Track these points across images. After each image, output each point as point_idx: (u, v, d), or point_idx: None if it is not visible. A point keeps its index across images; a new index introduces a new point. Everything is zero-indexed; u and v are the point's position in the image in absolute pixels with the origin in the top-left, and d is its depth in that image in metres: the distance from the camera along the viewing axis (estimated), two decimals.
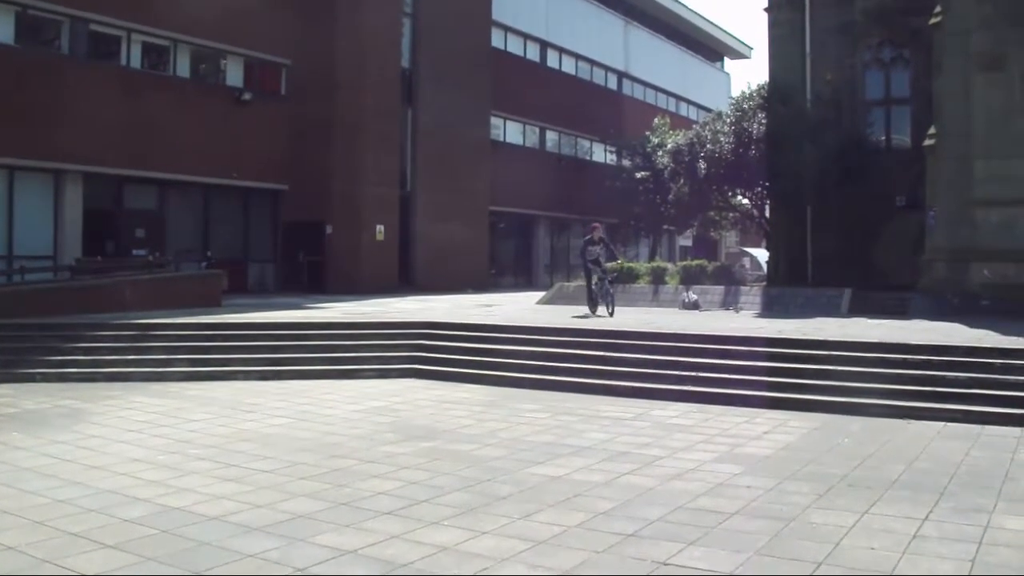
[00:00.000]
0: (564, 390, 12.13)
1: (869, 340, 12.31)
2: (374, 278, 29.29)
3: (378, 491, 6.98)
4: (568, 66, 43.43)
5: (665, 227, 43.07)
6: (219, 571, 5.22)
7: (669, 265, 25.07)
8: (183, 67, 26.43)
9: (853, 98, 22.53)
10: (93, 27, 23.91)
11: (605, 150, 44.47)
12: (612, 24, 46.91)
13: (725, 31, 61.36)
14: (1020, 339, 12.08)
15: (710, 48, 60.38)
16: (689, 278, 22.49)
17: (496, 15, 37.07)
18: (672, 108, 52.35)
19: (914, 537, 5.79)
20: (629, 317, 16.75)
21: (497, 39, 37.91)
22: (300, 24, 28.58)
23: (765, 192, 26.64)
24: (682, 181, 30.75)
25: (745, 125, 26.44)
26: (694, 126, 34.18)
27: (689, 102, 55.48)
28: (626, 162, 40.82)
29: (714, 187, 28.97)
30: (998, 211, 17.38)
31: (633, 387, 11.85)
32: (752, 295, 21.20)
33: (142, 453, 8.38)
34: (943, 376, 10.77)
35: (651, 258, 37.13)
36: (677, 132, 36.42)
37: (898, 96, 22.47)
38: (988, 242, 17.42)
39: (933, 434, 9.26)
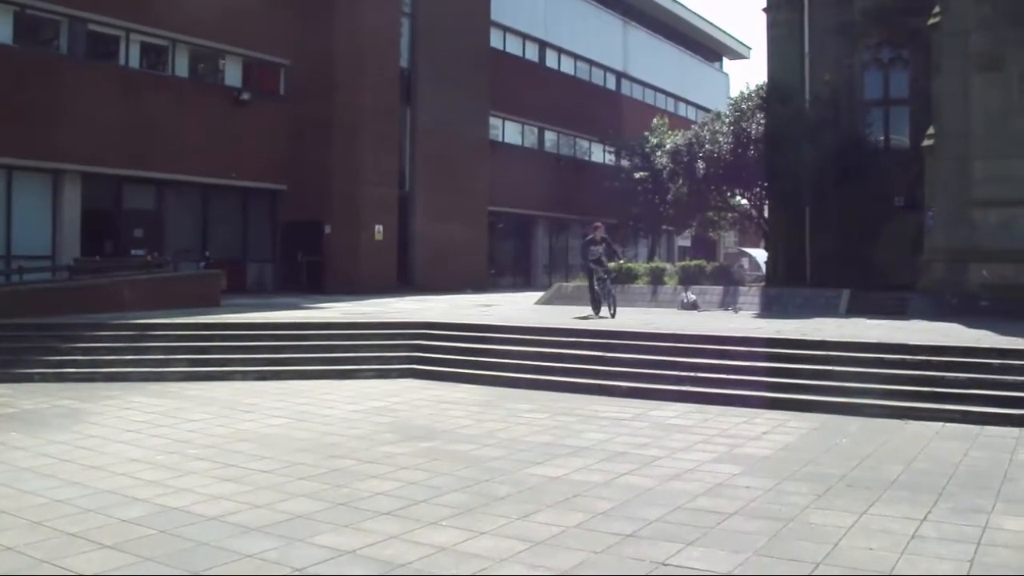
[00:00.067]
0: (562, 390, 12.13)
1: (868, 340, 12.31)
2: (373, 278, 29.28)
3: (377, 491, 6.98)
4: (567, 66, 43.43)
5: (664, 227, 43.09)
6: (217, 571, 5.21)
7: (668, 265, 25.07)
8: (182, 67, 26.42)
9: (852, 98, 22.54)
10: (92, 27, 23.90)
11: (604, 150, 44.47)
12: (611, 24, 46.92)
13: (724, 31, 61.41)
14: (1018, 339, 12.08)
15: (709, 48, 60.41)
16: (688, 278, 22.50)
17: (495, 15, 37.08)
18: (671, 108, 52.37)
19: (912, 537, 5.79)
20: (628, 317, 16.74)
21: (496, 39, 37.91)
22: (299, 24, 28.57)
23: (764, 192, 26.66)
24: (681, 181, 30.76)
25: (744, 125, 26.47)
26: (693, 126, 34.18)
27: (688, 102, 55.51)
28: (625, 162, 40.83)
29: (713, 187, 29.00)
30: (997, 211, 17.38)
31: (632, 387, 11.85)
32: (751, 295, 21.20)
33: (141, 453, 8.38)
34: (942, 376, 10.78)
35: (650, 258, 37.15)
36: (676, 132, 36.41)
37: (897, 96, 22.49)
38: (987, 242, 17.43)
39: (931, 434, 9.26)
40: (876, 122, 22.99)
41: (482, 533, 5.91)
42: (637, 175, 38.12)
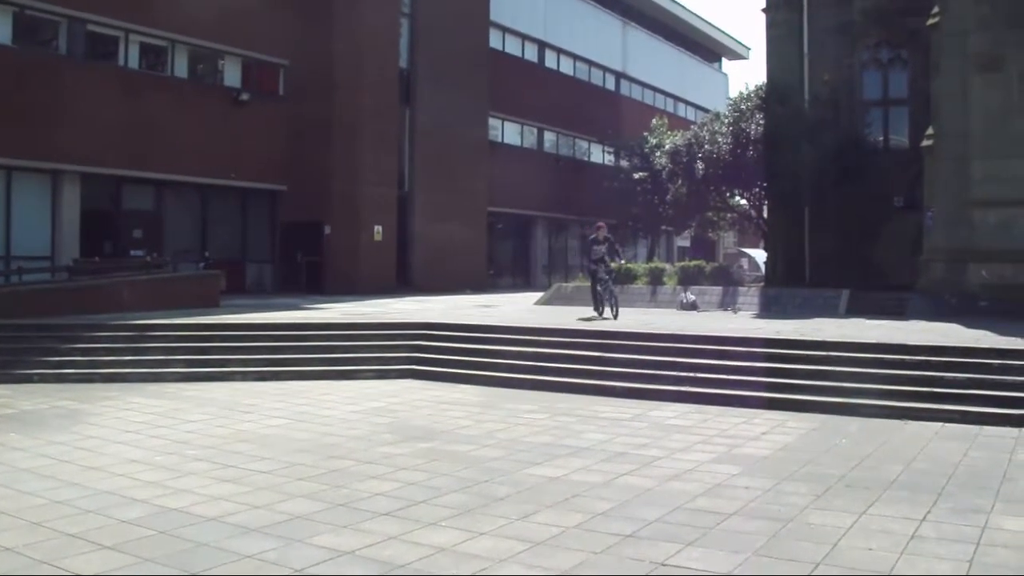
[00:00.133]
0: (562, 391, 12.13)
1: (867, 341, 12.31)
2: (372, 279, 29.27)
3: (376, 492, 6.98)
4: (566, 67, 43.43)
5: (663, 228, 43.07)
6: (217, 572, 5.21)
7: (667, 266, 25.07)
8: (181, 67, 26.41)
9: (851, 98, 22.54)
10: (91, 27, 23.89)
11: (603, 151, 44.46)
12: (610, 25, 46.92)
13: (723, 32, 61.41)
14: (1018, 340, 12.09)
15: (708, 49, 60.42)
16: (687, 279, 22.50)
17: (494, 16, 37.07)
18: (670, 109, 52.38)
19: (912, 538, 5.79)
20: (627, 318, 16.73)
21: (495, 40, 37.90)
22: (298, 24, 28.56)
23: (763, 192, 26.67)
24: (680, 182, 30.80)
25: (743, 126, 26.50)
26: (692, 127, 34.21)
27: (687, 103, 55.51)
28: (624, 163, 40.82)
29: (712, 188, 29.03)
30: (996, 212, 17.39)
31: (631, 388, 11.85)
32: (750, 296, 21.21)
33: (140, 454, 8.38)
34: (941, 377, 10.78)
35: (649, 259, 37.15)
36: (675, 133, 36.42)
37: (896, 96, 22.49)
38: (986, 243, 17.43)
39: (931, 435, 9.26)
40: (875, 122, 23.00)
41: (481, 534, 5.91)
42: (636, 175, 38.12)
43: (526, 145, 40.99)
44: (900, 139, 22.47)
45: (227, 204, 28.38)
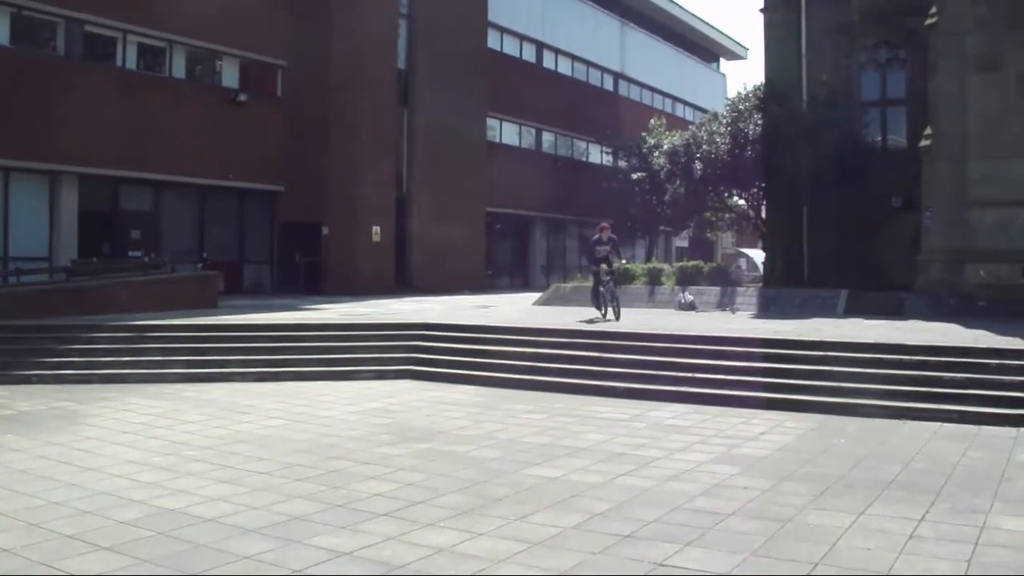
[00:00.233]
0: (560, 391, 12.13)
1: (865, 341, 12.32)
2: (371, 279, 29.26)
3: (374, 493, 6.98)
4: (564, 67, 43.44)
5: (661, 228, 43.07)
6: (215, 573, 5.21)
7: (665, 266, 25.06)
8: (179, 68, 26.44)
9: (849, 99, 22.52)
10: (88, 28, 23.91)
11: (601, 151, 44.46)
12: (608, 25, 46.92)
13: (721, 32, 61.43)
14: (1016, 339, 12.09)
15: (706, 49, 60.45)
16: (685, 279, 22.49)
17: (492, 16, 37.06)
18: (668, 109, 52.39)
19: (910, 538, 5.79)
20: (625, 318, 16.71)
21: (493, 40, 37.89)
22: (296, 25, 28.59)
23: (761, 193, 26.71)
24: (678, 182, 30.86)
25: (741, 126, 26.54)
26: (690, 127, 34.28)
27: (685, 103, 55.53)
28: (622, 163, 40.82)
29: (710, 188, 29.08)
30: (994, 212, 17.39)
31: (629, 388, 11.85)
32: (748, 296, 21.21)
33: (138, 455, 8.37)
34: (939, 377, 10.78)
35: (647, 259, 37.16)
36: (673, 133, 36.44)
37: (894, 97, 22.48)
38: (984, 243, 17.43)
39: (929, 435, 9.27)
40: (873, 123, 22.99)
41: (480, 534, 5.91)
42: (635, 176, 38.12)
43: (524, 145, 41.00)
44: (898, 139, 22.47)
45: (225, 205, 28.39)
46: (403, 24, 32.46)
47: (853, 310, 18.65)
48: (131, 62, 25.22)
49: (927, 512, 6.38)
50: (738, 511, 6.44)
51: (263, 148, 27.94)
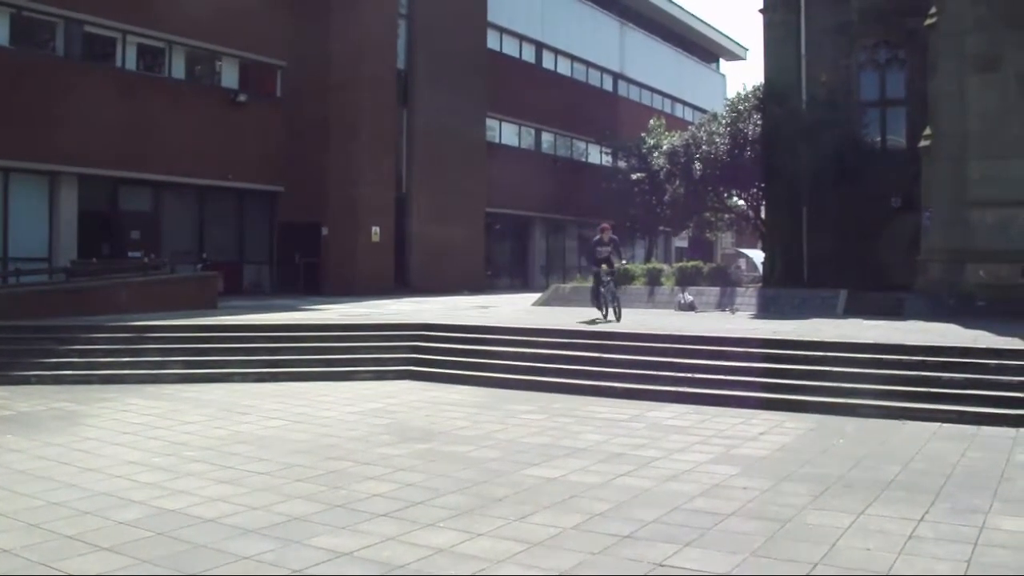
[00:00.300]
0: (560, 391, 12.13)
1: (865, 341, 12.32)
2: (370, 280, 29.27)
3: (374, 493, 6.98)
4: (564, 67, 43.44)
5: (661, 228, 43.08)
6: (215, 573, 5.21)
7: (665, 266, 25.06)
8: (178, 68, 26.44)
9: (848, 99, 22.53)
10: (88, 28, 23.91)
11: (601, 151, 44.46)
12: (608, 25, 46.93)
13: (720, 32, 61.44)
14: (1015, 340, 12.10)
15: (705, 49, 60.45)
16: (685, 279, 22.49)
17: (492, 17, 37.06)
18: (668, 109, 52.38)
19: (910, 538, 5.80)
20: (625, 318, 16.70)
21: (493, 40, 37.89)
22: (295, 26, 28.59)
23: (761, 193, 26.71)
24: (678, 182, 30.87)
25: (741, 126, 26.56)
26: (690, 127, 34.29)
27: (685, 103, 55.53)
28: (622, 163, 40.82)
29: (710, 188, 29.09)
30: (993, 212, 17.40)
31: (628, 388, 11.85)
32: (748, 296, 21.21)
33: (137, 455, 8.37)
34: (938, 377, 10.79)
35: (647, 259, 37.16)
36: (673, 133, 36.45)
37: (894, 97, 22.48)
38: (983, 243, 17.44)
39: (928, 435, 9.27)
40: (873, 123, 22.99)
41: (479, 534, 5.91)
42: (634, 176, 38.11)
43: (524, 146, 41.00)
44: (898, 139, 22.48)
45: (224, 205, 28.40)
46: (402, 24, 32.47)
47: (852, 310, 18.65)
48: (130, 62, 25.22)
49: (926, 512, 6.38)
50: (737, 511, 6.44)
51: (263, 148, 27.95)
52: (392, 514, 6.39)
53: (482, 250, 36.35)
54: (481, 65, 35.66)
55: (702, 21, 58.15)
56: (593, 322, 16.14)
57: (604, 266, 17.08)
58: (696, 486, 7.18)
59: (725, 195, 30.88)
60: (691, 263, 24.63)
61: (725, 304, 20.90)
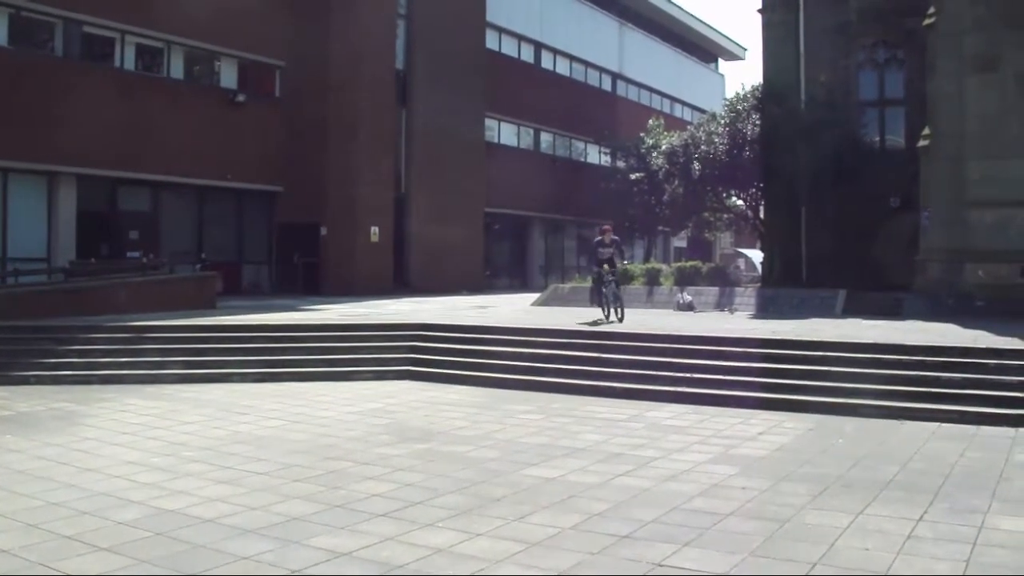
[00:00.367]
0: (558, 391, 12.13)
1: (863, 341, 12.32)
2: (369, 280, 29.26)
3: (373, 493, 6.98)
4: (562, 68, 43.45)
5: (660, 228, 43.10)
6: (214, 573, 5.21)
7: (664, 266, 25.06)
8: (177, 69, 26.42)
9: (847, 99, 22.53)
10: (87, 29, 23.90)
11: (600, 151, 44.47)
12: (606, 25, 46.94)
13: (719, 32, 61.44)
14: (1014, 339, 12.10)
15: (704, 49, 60.46)
16: (684, 279, 22.50)
17: (490, 17, 37.07)
18: (666, 109, 52.38)
19: (909, 538, 5.80)
20: (626, 319, 16.69)
21: (492, 41, 37.90)
22: (294, 26, 28.57)
23: (759, 193, 26.72)
24: (677, 182, 30.89)
25: (739, 126, 26.57)
26: (688, 127, 34.34)
27: (683, 103, 55.54)
28: (621, 163, 40.82)
29: (708, 188, 29.11)
30: (992, 212, 17.40)
31: (627, 388, 11.85)
32: (747, 296, 21.22)
33: (136, 456, 8.37)
34: (937, 377, 10.79)
35: (646, 259, 37.17)
36: (671, 133, 36.48)
37: (892, 97, 22.48)
38: (982, 243, 17.45)
39: (927, 435, 9.27)
40: (871, 123, 22.99)
41: (478, 534, 5.91)
42: (633, 176, 38.11)
43: (523, 146, 41.01)
44: (896, 139, 22.48)
45: (223, 205, 28.38)
46: (401, 24, 32.47)
47: (851, 310, 18.66)
48: (129, 63, 25.20)
49: (925, 512, 6.38)
50: (736, 511, 6.44)
51: (261, 149, 27.93)
52: (391, 514, 6.39)
53: (481, 250, 36.35)
54: (480, 65, 35.66)
55: (701, 21, 58.19)
56: (595, 323, 15.96)
57: (606, 266, 16.83)
58: (695, 486, 7.18)
59: (724, 195, 30.89)
60: (690, 263, 24.63)
61: (724, 304, 20.91)
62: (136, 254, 23.81)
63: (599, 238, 17.47)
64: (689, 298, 21.06)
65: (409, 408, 11.13)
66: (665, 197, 33.94)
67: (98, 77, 24.25)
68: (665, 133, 37.82)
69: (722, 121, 27.89)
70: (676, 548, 5.60)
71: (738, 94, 27.88)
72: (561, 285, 25.92)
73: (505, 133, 39.60)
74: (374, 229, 30.16)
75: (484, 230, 36.67)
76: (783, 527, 6.04)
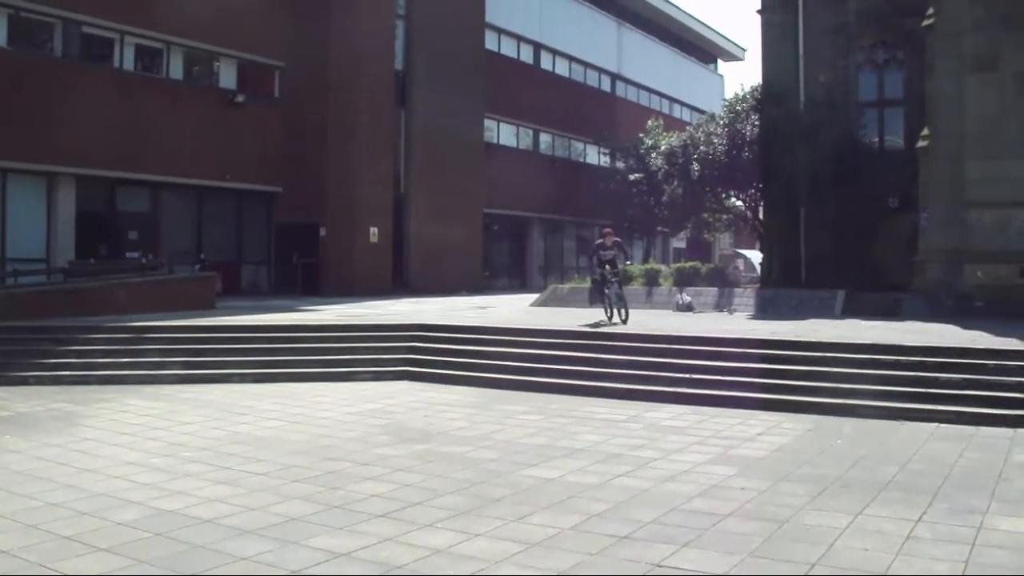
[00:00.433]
0: (558, 392, 12.13)
1: (862, 341, 12.33)
2: (368, 280, 29.26)
3: (372, 493, 6.98)
4: (562, 68, 43.45)
5: (659, 229, 43.12)
6: (213, 574, 5.21)
7: (663, 267, 25.07)
8: (176, 69, 26.40)
9: (846, 99, 22.54)
10: (86, 29, 23.87)
11: (599, 152, 44.50)
12: (605, 26, 46.95)
13: (718, 33, 61.46)
14: (1013, 340, 12.11)
15: (703, 50, 60.48)
16: (683, 280, 22.50)
17: (490, 17, 37.08)
18: (665, 110, 52.40)
19: (908, 538, 5.80)
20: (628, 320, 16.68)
21: (491, 41, 37.92)
22: (293, 26, 28.55)
23: (759, 194, 26.73)
24: (676, 183, 30.90)
25: (738, 127, 26.60)
26: (688, 128, 34.35)
27: (682, 104, 55.55)
28: (620, 164, 40.86)
29: (707, 189, 29.12)
30: (991, 212, 17.41)
31: (626, 389, 11.85)
32: (746, 297, 21.23)
33: (135, 456, 8.36)
34: (936, 378, 10.80)
35: (645, 260, 37.19)
36: (671, 134, 36.50)
37: (891, 97, 22.50)
38: (981, 243, 17.45)
39: (926, 435, 9.27)
40: (871, 123, 23.00)
41: (477, 535, 5.91)
42: (632, 177, 38.13)
43: (522, 146, 41.01)
44: (895, 140, 22.50)
45: (223, 206, 28.35)
46: (401, 25, 32.47)
47: (850, 311, 18.66)
48: (128, 63, 25.18)
49: (924, 513, 6.38)
50: (735, 512, 6.44)
51: (261, 149, 27.92)
52: (390, 515, 6.39)
53: (480, 250, 36.35)
54: (479, 66, 35.66)
55: (700, 22, 58.21)
56: (597, 324, 15.77)
57: (608, 267, 16.60)
58: (694, 487, 7.18)
59: (723, 196, 30.91)
60: (689, 264, 24.64)
61: (723, 305, 20.92)
62: (135, 254, 23.79)
63: (600, 241, 17.32)
64: (688, 299, 21.06)
65: (408, 409, 11.13)
66: (664, 198, 33.95)
67: (97, 77, 24.23)
68: (664, 134, 37.84)
69: (721, 122, 27.91)
70: (675, 549, 5.60)
71: (737, 95, 27.90)
72: (560, 286, 25.93)
73: (504, 134, 39.61)
74: (373, 230, 30.15)
75: (483, 230, 36.68)
76: (782, 528, 6.05)
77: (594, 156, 44.89)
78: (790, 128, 22.15)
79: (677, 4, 54.61)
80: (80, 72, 23.71)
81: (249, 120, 27.49)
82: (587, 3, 45.17)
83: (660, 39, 53.23)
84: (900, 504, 6.61)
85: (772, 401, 10.90)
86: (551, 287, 25.97)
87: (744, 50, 65.85)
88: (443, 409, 11.06)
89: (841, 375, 11.27)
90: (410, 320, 17.21)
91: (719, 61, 64.82)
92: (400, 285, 31.13)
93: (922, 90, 19.09)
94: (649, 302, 21.99)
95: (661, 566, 5.30)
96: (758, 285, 23.58)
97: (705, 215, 36.57)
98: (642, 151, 38.32)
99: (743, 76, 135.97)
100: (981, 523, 6.13)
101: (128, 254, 24.19)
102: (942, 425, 9.73)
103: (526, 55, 41.07)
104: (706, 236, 48.05)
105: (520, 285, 39.72)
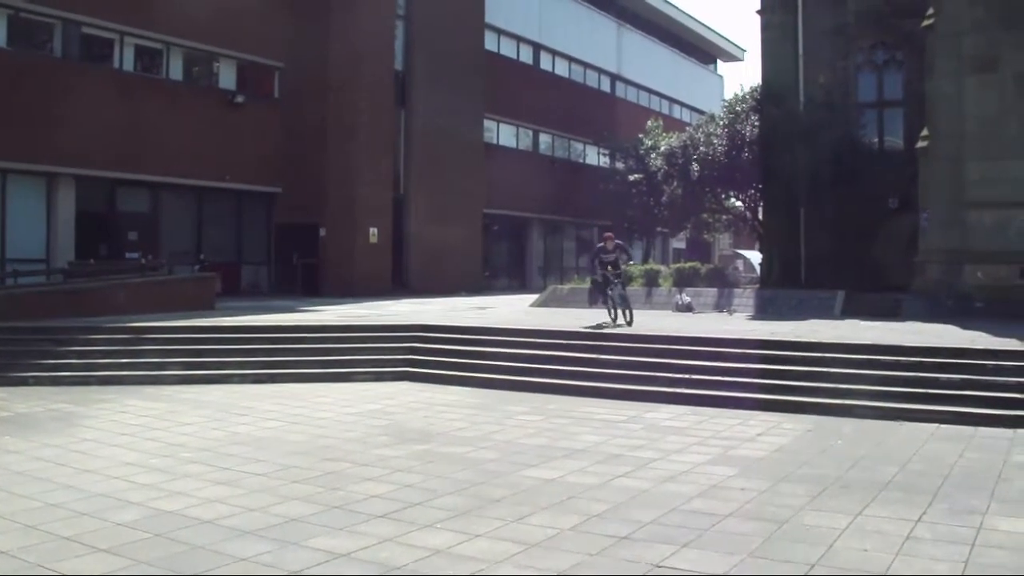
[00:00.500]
0: (557, 393, 12.13)
1: (862, 342, 12.33)
2: (368, 281, 29.25)
3: (371, 494, 6.98)
4: (561, 69, 43.45)
5: (658, 229, 43.13)
6: (212, 574, 5.21)
7: (662, 267, 25.06)
8: (176, 70, 26.40)
9: (846, 100, 22.55)
10: (86, 30, 23.87)
11: (598, 152, 44.49)
12: (605, 26, 46.94)
13: (718, 33, 61.46)
14: (1012, 341, 12.10)
15: (703, 50, 60.47)
16: (682, 280, 22.50)
17: (489, 18, 37.07)
18: (665, 110, 52.39)
19: (907, 539, 5.80)
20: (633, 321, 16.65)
21: (491, 42, 37.91)
22: (293, 27, 28.55)
23: (758, 194, 26.75)
24: (675, 183, 30.94)
25: (738, 127, 26.63)
26: (687, 128, 34.38)
27: (682, 104, 55.54)
28: (619, 164, 40.87)
29: (707, 189, 29.16)
30: (991, 213, 17.41)
31: (626, 389, 11.85)
32: (745, 297, 21.23)
33: (135, 457, 8.36)
34: (936, 378, 10.79)
35: (645, 260, 37.18)
36: (670, 134, 36.51)
37: (891, 98, 22.51)
38: (981, 244, 17.45)
39: (926, 436, 9.28)
40: (870, 124, 23.01)
41: (477, 535, 5.91)
42: (632, 177, 38.15)
43: (522, 147, 41.00)
44: (895, 140, 22.50)
45: (222, 206, 28.35)
46: (400, 25, 32.46)
47: (850, 311, 18.66)
48: (128, 64, 25.18)
49: (924, 513, 6.38)
50: (735, 512, 6.45)
51: (260, 149, 27.92)
52: (390, 515, 6.39)
53: (480, 251, 36.34)
54: (479, 66, 35.66)
55: (699, 22, 58.21)
56: (600, 325, 15.57)
57: (610, 268, 16.43)
58: (694, 487, 7.18)
59: (723, 196, 30.95)
60: (689, 264, 24.64)
61: (723, 305, 20.92)
62: (135, 255, 23.78)
63: (601, 244, 17.18)
64: (688, 299, 21.06)
65: (408, 409, 11.13)
66: (664, 198, 33.97)
67: (97, 78, 24.23)
68: (664, 134, 37.84)
69: (721, 122, 27.94)
70: (675, 549, 5.60)
71: (737, 95, 27.94)
72: (560, 286, 25.92)
73: (504, 134, 39.60)
74: (373, 230, 30.14)
75: (483, 231, 36.66)
76: (782, 528, 6.05)
77: (594, 156, 44.89)
78: (790, 129, 22.15)
79: (677, 4, 54.67)
80: (80, 72, 23.71)
81: (249, 120, 27.49)
82: (587, 3, 45.17)
83: (660, 40, 53.22)
84: (900, 504, 6.61)
85: (772, 402, 10.90)
86: (551, 288, 25.96)
87: (744, 51, 65.90)
88: (443, 409, 11.07)
89: (841, 375, 11.27)
90: (410, 321, 17.21)
91: (719, 61, 64.83)
92: (400, 285, 31.13)
93: (922, 91, 19.09)
94: (649, 303, 21.98)
95: (661, 566, 5.30)
96: (758, 285, 23.58)
97: (705, 215, 36.59)
98: (642, 151, 38.32)
99: (743, 76, 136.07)
100: (981, 523, 6.13)
101: (128, 254, 24.19)
102: (942, 425, 9.74)
103: (526, 55, 41.06)
104: (706, 237, 48.07)
105: (520, 285, 39.71)
